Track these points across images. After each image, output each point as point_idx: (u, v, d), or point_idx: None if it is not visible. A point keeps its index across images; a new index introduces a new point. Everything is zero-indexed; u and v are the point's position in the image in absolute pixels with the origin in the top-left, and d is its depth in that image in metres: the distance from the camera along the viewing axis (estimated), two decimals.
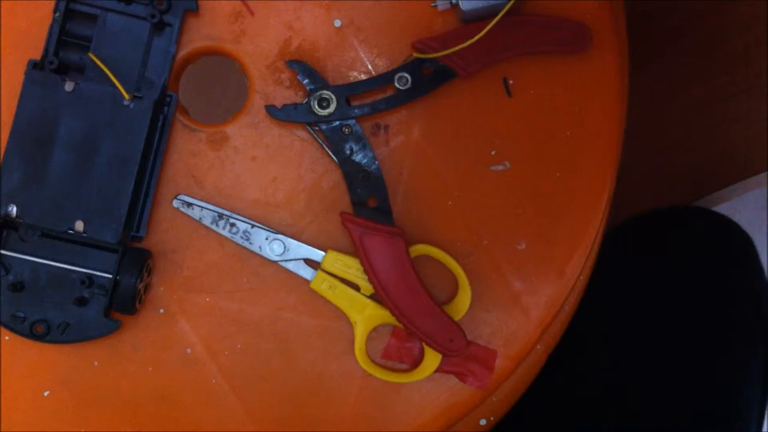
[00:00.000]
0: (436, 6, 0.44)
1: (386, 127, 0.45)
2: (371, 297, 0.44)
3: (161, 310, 0.43)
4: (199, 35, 0.44)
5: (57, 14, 0.41)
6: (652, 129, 0.91)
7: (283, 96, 0.44)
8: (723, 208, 0.91)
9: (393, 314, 0.42)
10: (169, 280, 0.44)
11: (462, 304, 0.44)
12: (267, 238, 0.43)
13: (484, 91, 0.45)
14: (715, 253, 0.64)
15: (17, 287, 0.41)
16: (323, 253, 0.44)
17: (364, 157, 0.44)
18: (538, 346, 0.49)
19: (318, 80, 0.43)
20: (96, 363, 0.43)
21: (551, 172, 0.45)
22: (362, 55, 0.45)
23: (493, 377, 0.45)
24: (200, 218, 0.43)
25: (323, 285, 0.43)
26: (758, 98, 0.77)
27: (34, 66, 0.41)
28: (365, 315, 0.43)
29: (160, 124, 0.43)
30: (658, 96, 0.91)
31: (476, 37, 0.42)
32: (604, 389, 0.60)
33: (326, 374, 0.44)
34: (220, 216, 0.43)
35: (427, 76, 0.44)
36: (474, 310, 0.44)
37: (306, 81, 0.43)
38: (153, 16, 0.42)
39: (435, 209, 0.45)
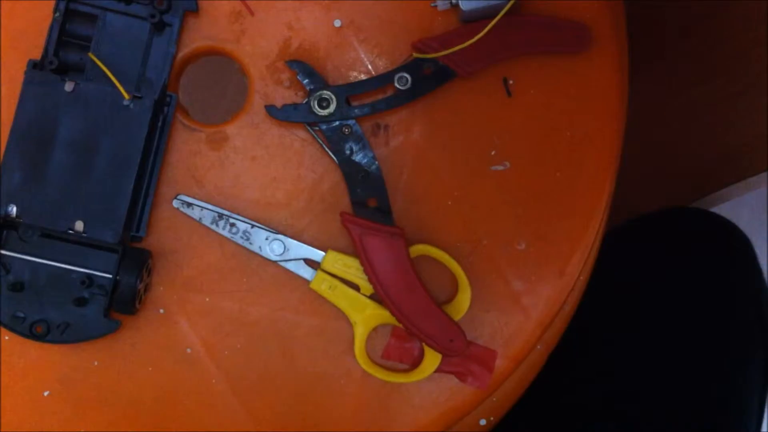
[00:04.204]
0: (436, 6, 0.44)
1: (386, 127, 0.45)
2: (371, 297, 0.43)
3: (161, 310, 0.43)
4: (199, 35, 0.44)
5: (57, 14, 0.41)
6: (652, 130, 0.91)
7: (283, 96, 0.44)
8: (723, 209, 0.91)
9: (393, 314, 0.42)
10: (169, 280, 0.44)
11: (462, 304, 0.44)
12: (267, 238, 0.43)
13: (484, 91, 0.45)
14: (715, 254, 0.64)
15: (17, 287, 0.41)
16: (323, 253, 0.44)
17: (364, 157, 0.44)
18: (538, 346, 0.49)
19: (318, 80, 0.43)
20: (96, 363, 0.43)
21: (551, 172, 0.45)
22: (362, 55, 0.45)
23: (493, 377, 0.45)
24: (200, 218, 0.43)
25: (323, 285, 0.43)
26: (758, 98, 0.77)
27: (34, 66, 0.41)
28: (365, 315, 0.43)
29: (160, 124, 0.43)
30: (658, 96, 0.91)
31: (476, 37, 0.42)
32: (604, 389, 0.60)
33: (326, 374, 0.44)
34: (220, 216, 0.43)
35: (427, 76, 0.44)
36: (474, 310, 0.44)
37: (306, 81, 0.43)
38: (153, 16, 0.42)
39: (435, 209, 0.45)
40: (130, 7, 0.42)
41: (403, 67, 0.44)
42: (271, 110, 0.43)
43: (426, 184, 0.45)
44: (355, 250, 0.43)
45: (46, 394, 0.43)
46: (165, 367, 0.43)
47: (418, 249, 0.44)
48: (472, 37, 0.42)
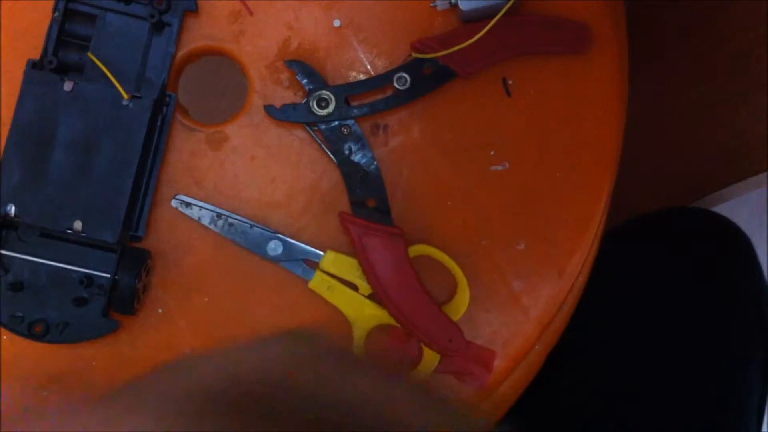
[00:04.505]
0: (435, 6, 0.44)
1: (385, 127, 0.45)
2: (370, 297, 0.43)
3: (160, 310, 0.43)
4: (198, 35, 0.44)
5: (56, 14, 0.41)
6: (652, 129, 0.91)
7: (283, 96, 0.44)
8: (723, 209, 0.91)
9: (392, 314, 0.42)
10: (168, 280, 0.43)
11: (461, 304, 0.44)
12: (266, 238, 0.43)
13: (484, 91, 0.45)
14: (715, 253, 0.64)
15: (16, 287, 0.40)
16: (322, 253, 0.43)
17: (363, 157, 0.43)
18: (538, 346, 0.49)
19: (317, 80, 0.43)
20: (95, 363, 0.43)
21: (551, 172, 0.45)
22: (361, 55, 0.45)
23: (493, 377, 0.45)
24: (199, 218, 0.43)
25: (322, 285, 0.43)
26: (758, 98, 0.77)
27: (34, 66, 0.41)
28: (364, 315, 0.43)
29: (159, 124, 0.43)
30: (658, 96, 0.91)
31: (476, 37, 0.42)
32: (604, 390, 0.60)
33: None
34: (219, 216, 0.43)
35: (426, 76, 0.44)
36: (473, 310, 0.44)
37: (305, 81, 0.43)
38: (152, 16, 0.42)
39: (434, 209, 0.45)
40: (130, 7, 0.42)
41: (403, 67, 0.44)
42: (270, 110, 0.43)
43: (425, 184, 0.45)
44: (354, 250, 0.43)
45: (45, 394, 0.43)
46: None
47: (417, 249, 0.44)
48: (472, 37, 0.42)
